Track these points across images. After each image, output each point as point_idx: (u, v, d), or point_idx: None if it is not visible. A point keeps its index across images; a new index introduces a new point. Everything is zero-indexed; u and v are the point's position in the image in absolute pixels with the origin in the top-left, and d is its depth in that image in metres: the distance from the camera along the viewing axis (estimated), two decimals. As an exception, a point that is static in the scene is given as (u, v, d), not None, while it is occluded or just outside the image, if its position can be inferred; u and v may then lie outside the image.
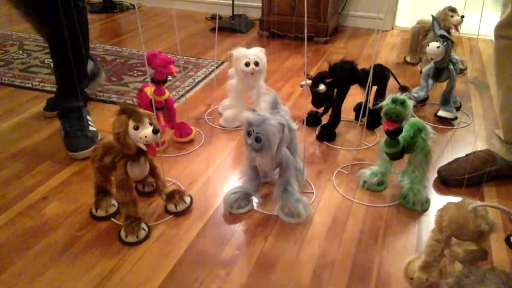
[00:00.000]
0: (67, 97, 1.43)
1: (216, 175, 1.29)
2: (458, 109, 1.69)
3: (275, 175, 1.21)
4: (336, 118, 1.46)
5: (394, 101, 1.04)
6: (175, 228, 1.08)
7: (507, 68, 1.19)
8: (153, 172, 1.08)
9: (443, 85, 1.65)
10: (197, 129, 1.51)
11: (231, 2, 2.74)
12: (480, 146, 1.46)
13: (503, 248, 1.04)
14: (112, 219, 1.09)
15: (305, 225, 1.09)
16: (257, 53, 1.42)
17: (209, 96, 1.78)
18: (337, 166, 1.34)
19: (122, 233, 1.02)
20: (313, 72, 1.78)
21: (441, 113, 1.61)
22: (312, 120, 1.56)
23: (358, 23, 2.80)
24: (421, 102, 1.72)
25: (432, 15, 1.74)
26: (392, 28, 2.78)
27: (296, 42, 2.48)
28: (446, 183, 1.24)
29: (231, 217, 1.12)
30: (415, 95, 1.70)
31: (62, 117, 1.42)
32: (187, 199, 1.13)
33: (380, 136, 1.50)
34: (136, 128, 0.94)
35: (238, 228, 1.08)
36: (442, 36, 1.50)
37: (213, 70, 2.03)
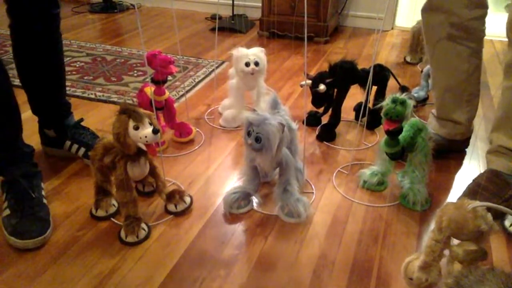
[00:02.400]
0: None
1: (216, 175, 1.29)
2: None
3: (275, 175, 1.21)
4: (336, 118, 1.46)
5: (394, 101, 1.04)
6: (175, 228, 1.08)
7: (432, 45, 1.30)
8: (153, 172, 1.08)
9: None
10: (197, 129, 1.51)
11: (231, 2, 2.74)
12: (480, 146, 1.46)
13: (503, 248, 1.04)
14: (112, 219, 1.10)
15: (305, 225, 1.09)
16: (257, 53, 1.42)
17: (209, 96, 1.78)
18: (337, 166, 1.34)
19: (122, 233, 1.02)
20: (313, 72, 1.78)
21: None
22: (312, 120, 1.56)
23: (358, 23, 2.80)
24: (421, 102, 1.72)
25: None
26: (392, 28, 2.78)
27: (296, 42, 2.48)
28: None
29: (231, 217, 1.12)
30: (415, 95, 1.70)
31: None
32: (187, 199, 1.13)
33: (380, 136, 1.50)
34: (136, 128, 0.94)
35: (238, 228, 1.08)
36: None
37: (213, 70, 2.03)
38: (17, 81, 1.83)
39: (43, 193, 1.12)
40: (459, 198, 1.10)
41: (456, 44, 1.24)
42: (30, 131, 1.41)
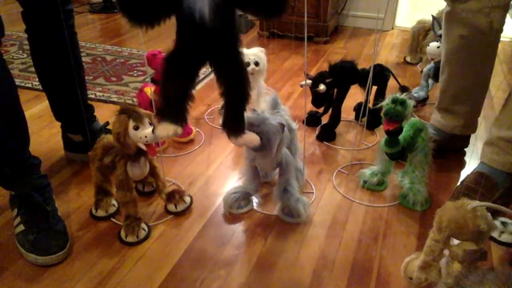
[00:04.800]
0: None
1: (216, 175, 1.29)
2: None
3: (275, 175, 1.21)
4: (336, 118, 1.46)
5: (394, 101, 1.04)
6: (175, 228, 1.08)
7: (450, 31, 1.28)
8: (153, 172, 1.08)
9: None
10: (197, 129, 1.51)
11: (231, 2, 2.74)
12: (480, 145, 1.46)
13: (503, 248, 1.04)
14: (112, 219, 1.10)
15: (305, 225, 1.09)
16: (257, 53, 1.42)
17: (209, 96, 1.78)
18: (337, 166, 1.34)
19: (122, 233, 1.02)
20: (313, 72, 1.78)
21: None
22: (312, 120, 1.56)
23: (358, 23, 2.80)
24: (421, 102, 1.72)
25: (432, 15, 1.74)
26: (392, 28, 2.78)
27: (296, 42, 2.48)
28: None
29: (231, 217, 1.12)
30: (415, 95, 1.70)
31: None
32: (187, 199, 1.13)
33: (380, 136, 1.50)
34: (136, 128, 0.94)
35: (238, 228, 1.08)
36: (442, 36, 1.50)
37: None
38: (17, 81, 1.84)
39: (56, 205, 1.07)
40: (448, 201, 1.10)
41: (468, 44, 1.24)
42: (30, 131, 1.41)
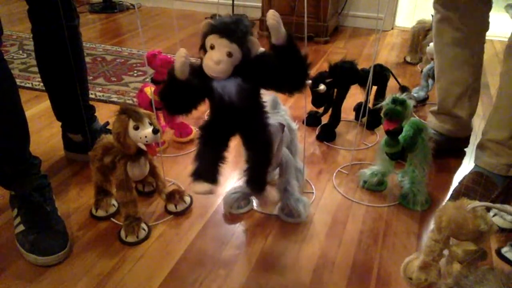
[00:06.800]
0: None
1: (216, 175, 1.29)
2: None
3: (275, 175, 1.21)
4: (336, 118, 1.46)
5: (394, 101, 1.04)
6: (175, 228, 1.08)
7: (444, 37, 1.29)
8: (153, 172, 1.08)
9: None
10: (197, 129, 1.51)
11: (231, 2, 2.74)
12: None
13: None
14: (112, 219, 1.10)
15: (305, 225, 1.09)
16: (257, 53, 1.42)
17: (209, 96, 1.78)
18: (337, 166, 1.34)
19: (122, 233, 1.02)
20: (313, 72, 1.78)
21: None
22: (312, 120, 1.56)
23: (358, 23, 2.80)
24: (421, 102, 1.72)
25: (432, 15, 1.74)
26: (392, 28, 2.78)
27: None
28: None
29: (231, 217, 1.12)
30: (415, 95, 1.70)
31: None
32: (187, 199, 1.13)
33: (380, 136, 1.50)
34: (136, 128, 0.94)
35: (238, 228, 1.08)
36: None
37: (213, 70, 2.03)
38: (17, 81, 1.83)
39: (56, 205, 1.07)
40: (448, 201, 1.10)
41: (463, 47, 1.24)
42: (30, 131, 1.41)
